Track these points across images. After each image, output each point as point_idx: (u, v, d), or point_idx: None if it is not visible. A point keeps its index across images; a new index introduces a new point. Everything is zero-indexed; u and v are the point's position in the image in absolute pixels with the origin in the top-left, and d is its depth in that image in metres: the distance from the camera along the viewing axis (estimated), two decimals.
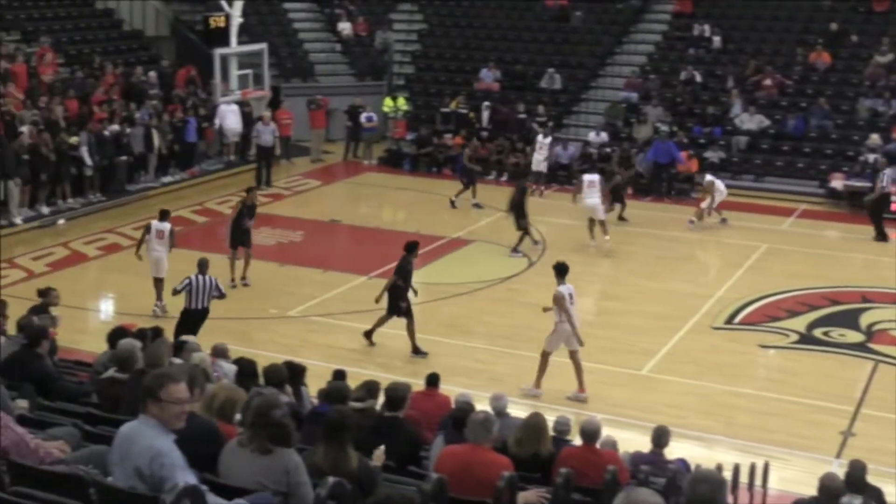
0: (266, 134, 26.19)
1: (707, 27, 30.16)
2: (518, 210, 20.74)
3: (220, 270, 16.96)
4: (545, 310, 14.50)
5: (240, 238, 18.53)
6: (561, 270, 14.57)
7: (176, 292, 15.08)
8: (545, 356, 14.34)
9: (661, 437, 9.99)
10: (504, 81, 30.68)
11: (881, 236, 22.25)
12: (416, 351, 15.63)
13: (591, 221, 21.06)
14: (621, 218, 22.96)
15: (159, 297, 16.79)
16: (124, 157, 24.11)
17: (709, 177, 23.31)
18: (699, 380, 15.08)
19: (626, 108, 28.69)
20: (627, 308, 18.05)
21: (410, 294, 15.86)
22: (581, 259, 20.52)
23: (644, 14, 32.04)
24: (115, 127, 23.94)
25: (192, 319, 14.65)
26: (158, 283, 16.94)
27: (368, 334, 15.97)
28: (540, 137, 25.67)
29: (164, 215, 17.48)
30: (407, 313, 15.69)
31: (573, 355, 14.30)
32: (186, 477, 5.24)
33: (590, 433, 8.47)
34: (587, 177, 21.41)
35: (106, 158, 23.57)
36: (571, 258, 20.02)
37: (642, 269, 20.19)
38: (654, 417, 12.56)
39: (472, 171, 24.71)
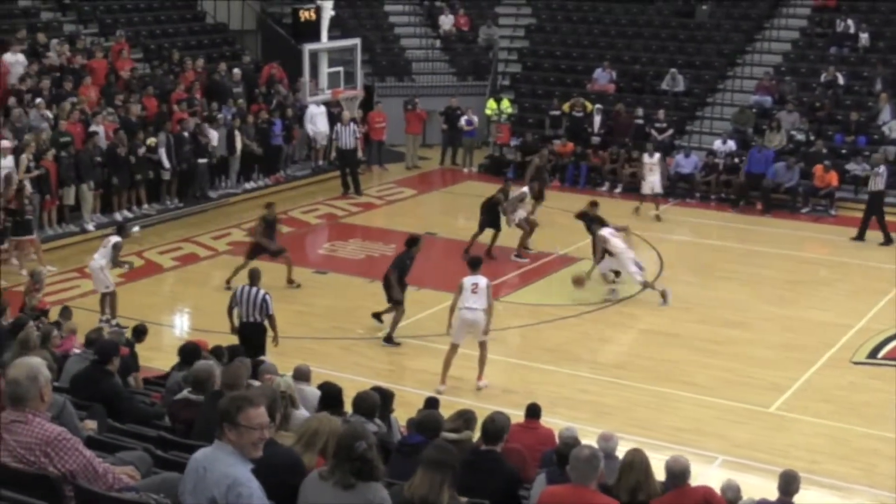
0: (346, 136, 26.48)
1: (852, 23, 29.59)
2: (490, 212, 21.21)
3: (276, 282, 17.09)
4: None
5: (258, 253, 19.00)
6: (472, 264, 15.97)
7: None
8: (452, 349, 15.51)
9: (789, 484, 9.79)
10: (620, 83, 30.54)
11: None
12: (389, 340, 16.96)
13: (645, 196, 24.45)
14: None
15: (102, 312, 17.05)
16: (204, 160, 24.63)
17: (604, 231, 19.16)
18: (835, 420, 14.75)
19: (758, 113, 28.28)
20: (754, 337, 17.76)
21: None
22: (701, 281, 20.34)
23: (780, 8, 31.59)
24: (196, 121, 24.50)
25: (249, 334, 14.71)
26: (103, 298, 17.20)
27: (378, 316, 17.57)
28: (646, 157, 24.98)
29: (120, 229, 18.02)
30: (397, 304, 17.07)
31: (482, 346, 15.43)
32: None
33: (675, 474, 8.25)
34: (647, 159, 24.71)
35: (184, 161, 24.12)
36: (690, 279, 19.99)
37: (772, 294, 19.87)
38: (782, 461, 12.33)
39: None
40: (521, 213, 21.30)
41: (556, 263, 21.13)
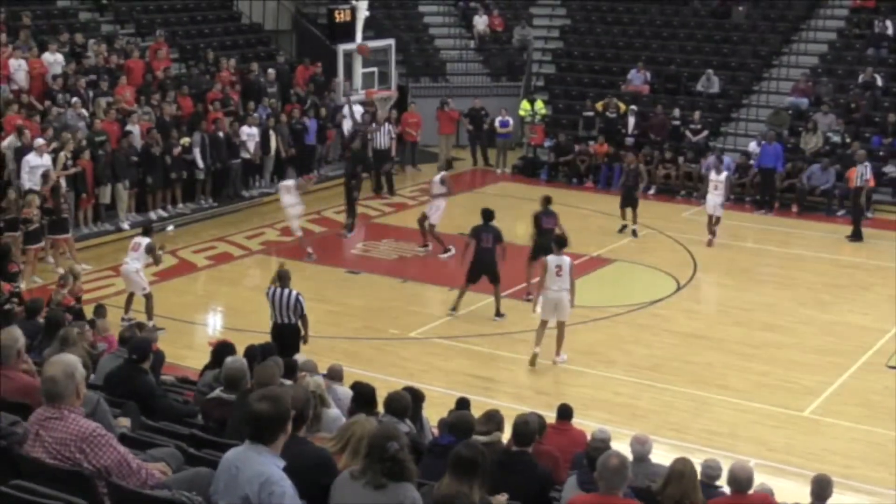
0: (380, 136, 26.51)
1: (891, 24, 29.30)
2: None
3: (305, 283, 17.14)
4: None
5: None
6: (559, 243, 16.68)
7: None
8: (543, 325, 16.24)
9: (823, 489, 9.70)
10: (655, 84, 30.42)
11: None
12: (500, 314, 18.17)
13: (710, 218, 22.49)
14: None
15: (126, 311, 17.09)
16: (238, 161, 24.74)
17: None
18: (870, 425, 14.61)
19: (794, 115, 28.09)
20: (789, 341, 17.64)
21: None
22: (736, 284, 20.21)
23: (817, 9, 31.36)
24: (230, 120, 24.64)
25: (281, 335, 14.66)
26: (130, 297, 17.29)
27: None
28: (713, 174, 22.94)
29: (146, 231, 17.80)
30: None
31: (560, 325, 16.22)
32: None
33: (741, 481, 8.28)
34: (714, 176, 22.69)
35: (219, 161, 24.23)
36: (726, 282, 19.87)
37: (808, 297, 19.73)
38: (816, 465, 12.24)
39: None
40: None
41: (589, 265, 21.06)
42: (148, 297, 17.21)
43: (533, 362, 16.10)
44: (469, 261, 18.33)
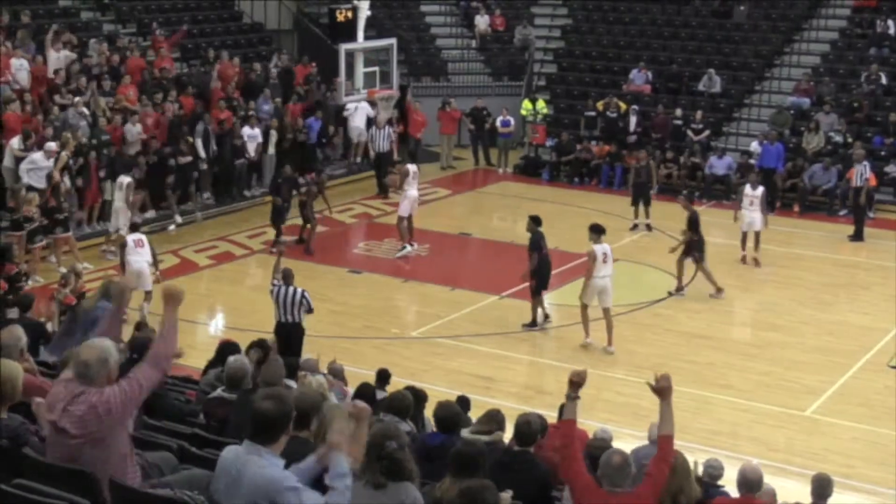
0: (380, 139, 26.52)
1: (892, 23, 29.31)
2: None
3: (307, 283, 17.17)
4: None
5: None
6: (597, 230, 17.04)
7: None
8: (585, 308, 16.86)
9: (823, 488, 9.71)
10: (656, 83, 30.42)
11: None
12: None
13: (745, 235, 21.34)
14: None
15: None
16: (243, 160, 24.72)
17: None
18: (871, 425, 14.63)
19: (795, 115, 28.09)
20: (791, 340, 17.66)
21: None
22: (738, 284, 20.21)
23: (819, 9, 31.35)
24: (233, 119, 24.67)
25: (286, 334, 14.69)
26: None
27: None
28: (748, 188, 21.77)
29: (134, 228, 18.12)
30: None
31: (606, 312, 16.79)
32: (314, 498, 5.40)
33: (751, 482, 8.26)
34: (749, 191, 21.45)
35: (223, 162, 24.23)
36: (727, 282, 19.83)
37: (808, 297, 19.74)
38: (816, 465, 12.24)
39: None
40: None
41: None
42: (149, 293, 17.35)
43: (587, 347, 16.91)
44: (531, 270, 17.62)
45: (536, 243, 17.55)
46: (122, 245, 17.93)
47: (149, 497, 5.81)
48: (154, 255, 17.91)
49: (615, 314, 18.08)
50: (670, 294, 19.44)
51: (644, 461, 8.56)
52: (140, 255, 17.47)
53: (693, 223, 19.42)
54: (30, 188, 19.57)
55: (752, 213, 21.22)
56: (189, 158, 23.06)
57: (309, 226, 21.81)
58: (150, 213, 22.76)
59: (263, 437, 5.54)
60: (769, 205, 24.91)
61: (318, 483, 5.67)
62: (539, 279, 17.61)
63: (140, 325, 13.77)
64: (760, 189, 21.54)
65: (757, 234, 21.28)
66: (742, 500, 8.21)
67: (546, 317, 17.97)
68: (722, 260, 21.08)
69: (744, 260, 21.40)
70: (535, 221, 17.76)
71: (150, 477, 6.28)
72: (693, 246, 19.29)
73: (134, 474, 6.01)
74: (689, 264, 19.51)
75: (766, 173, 25.53)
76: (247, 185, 25.39)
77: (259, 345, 10.89)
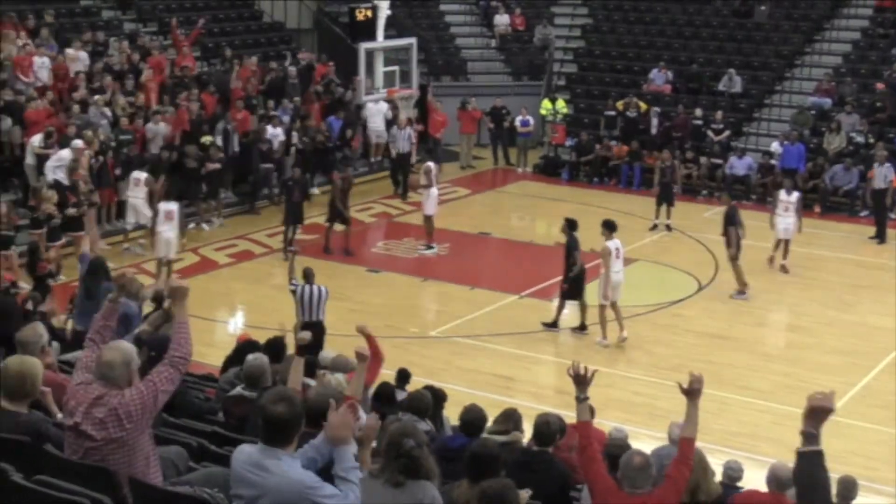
0: (401, 139, 26.49)
1: None
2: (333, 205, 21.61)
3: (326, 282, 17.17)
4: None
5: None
6: (609, 226, 17.17)
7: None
8: (603, 308, 16.96)
9: (849, 490, 9.66)
10: (676, 83, 30.33)
11: None
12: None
13: (779, 242, 21.03)
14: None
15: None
16: (270, 165, 24.51)
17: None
18: (893, 427, 14.54)
19: (816, 115, 27.96)
20: (811, 341, 17.59)
21: None
22: (759, 285, 20.10)
23: (840, 9, 31.21)
24: (254, 119, 24.61)
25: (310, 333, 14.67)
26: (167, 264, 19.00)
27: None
28: (783, 194, 21.35)
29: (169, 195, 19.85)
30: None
31: (614, 306, 17.05)
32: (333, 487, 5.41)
33: (782, 480, 8.21)
34: (784, 196, 21.15)
35: (250, 167, 24.27)
36: (753, 283, 19.72)
37: (830, 298, 19.63)
38: (839, 467, 12.10)
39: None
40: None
41: None
42: (170, 263, 19.01)
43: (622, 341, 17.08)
44: (572, 276, 17.47)
45: (573, 247, 17.43)
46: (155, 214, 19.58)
47: (169, 495, 5.81)
48: (182, 227, 19.57)
49: (635, 314, 18.06)
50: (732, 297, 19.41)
51: (665, 461, 8.53)
52: (169, 226, 18.94)
53: (728, 218, 19.48)
54: (55, 185, 19.65)
55: (786, 219, 20.86)
56: (217, 166, 23.03)
57: (342, 227, 21.72)
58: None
59: (278, 439, 5.48)
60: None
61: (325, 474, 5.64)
62: (572, 285, 17.44)
63: (158, 297, 13.87)
64: (795, 194, 21.20)
65: (787, 242, 20.99)
66: (770, 495, 8.15)
67: (583, 327, 17.67)
68: (748, 260, 20.99)
69: (771, 261, 21.15)
70: (569, 225, 17.60)
71: (167, 476, 6.29)
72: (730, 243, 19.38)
73: (156, 475, 6.02)
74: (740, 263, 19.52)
75: (788, 174, 25.41)
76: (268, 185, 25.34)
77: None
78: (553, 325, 17.77)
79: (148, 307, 12.37)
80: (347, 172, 22.81)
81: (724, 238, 19.56)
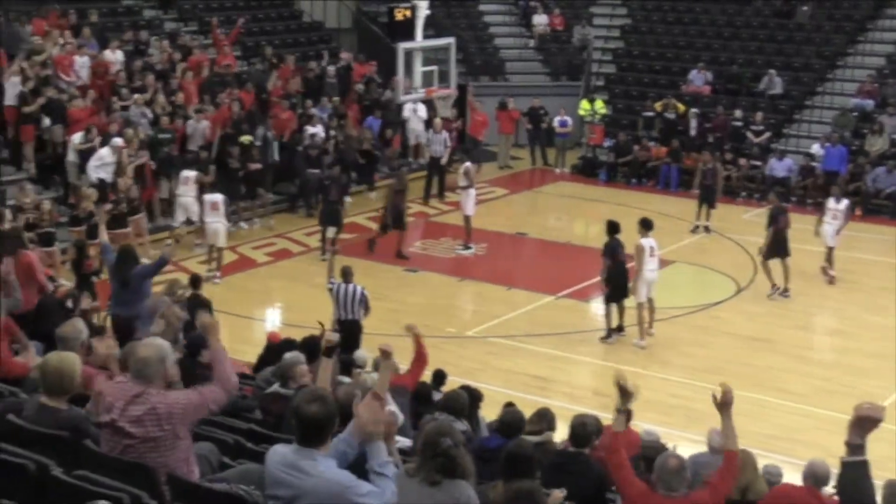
0: (436, 143, 26.47)
1: None
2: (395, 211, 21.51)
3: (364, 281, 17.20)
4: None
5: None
6: (646, 224, 17.23)
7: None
8: (641, 307, 16.98)
9: (892, 496, 9.54)
10: (716, 84, 30.15)
11: None
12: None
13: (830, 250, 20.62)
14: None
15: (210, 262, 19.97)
16: (317, 170, 23.94)
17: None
18: None
19: (858, 117, 27.73)
20: (851, 345, 17.45)
21: None
22: (798, 287, 19.92)
23: (884, 9, 30.90)
24: (312, 130, 24.66)
25: (345, 331, 14.69)
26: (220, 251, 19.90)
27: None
28: (832, 202, 20.82)
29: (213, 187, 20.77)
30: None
31: (650, 302, 17.15)
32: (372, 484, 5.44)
33: (819, 476, 8.16)
34: (832, 204, 20.71)
35: (297, 176, 24.28)
36: (798, 285, 19.58)
37: (870, 302, 19.47)
38: (879, 473, 12.00)
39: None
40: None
41: None
42: (221, 251, 19.99)
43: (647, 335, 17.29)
44: (605, 279, 17.35)
45: (612, 250, 17.10)
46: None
47: (206, 491, 5.85)
48: (227, 217, 20.33)
49: (672, 316, 17.99)
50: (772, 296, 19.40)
51: (700, 469, 8.51)
52: (215, 217, 19.82)
53: (770, 219, 19.48)
54: (98, 183, 19.83)
55: (834, 226, 20.43)
56: (259, 166, 23.11)
57: (397, 230, 21.56)
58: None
59: (313, 440, 5.46)
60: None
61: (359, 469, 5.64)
62: (614, 288, 17.23)
63: (196, 281, 14.28)
64: (844, 202, 20.73)
65: (831, 251, 20.56)
66: (806, 490, 8.10)
67: (620, 328, 17.48)
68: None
69: (824, 271, 20.66)
70: (611, 227, 17.29)
71: (201, 472, 6.34)
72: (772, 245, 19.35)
73: (193, 473, 6.07)
74: (776, 263, 19.44)
75: (829, 176, 25.24)
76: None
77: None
78: (608, 335, 17.39)
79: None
80: (402, 172, 22.83)
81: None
